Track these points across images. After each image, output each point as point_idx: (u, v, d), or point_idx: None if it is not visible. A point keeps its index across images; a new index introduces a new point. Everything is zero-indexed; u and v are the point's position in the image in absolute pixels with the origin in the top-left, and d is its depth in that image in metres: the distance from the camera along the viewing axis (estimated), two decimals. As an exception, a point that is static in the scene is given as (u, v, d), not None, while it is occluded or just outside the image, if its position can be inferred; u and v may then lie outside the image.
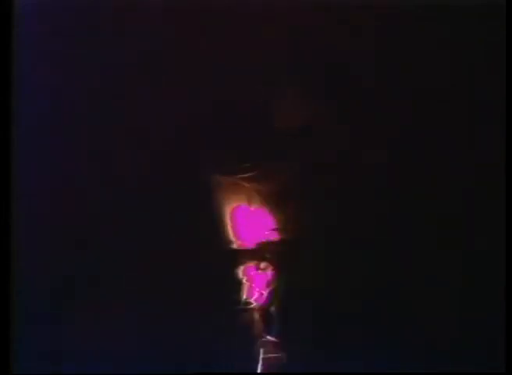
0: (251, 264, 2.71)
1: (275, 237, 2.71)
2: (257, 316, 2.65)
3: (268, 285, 2.67)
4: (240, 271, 2.71)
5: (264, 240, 2.71)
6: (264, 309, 2.64)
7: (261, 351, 2.61)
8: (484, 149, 4.17)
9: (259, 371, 2.58)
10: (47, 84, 4.15)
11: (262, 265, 2.70)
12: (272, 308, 2.64)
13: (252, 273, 2.69)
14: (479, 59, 4.11)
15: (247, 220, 2.71)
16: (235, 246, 2.74)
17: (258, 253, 2.70)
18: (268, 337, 2.61)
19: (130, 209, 4.20)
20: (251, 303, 2.67)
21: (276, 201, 2.74)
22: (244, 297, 2.69)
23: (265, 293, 2.66)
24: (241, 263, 2.72)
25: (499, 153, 3.76)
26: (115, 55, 4.18)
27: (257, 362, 2.60)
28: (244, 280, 2.71)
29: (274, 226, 2.72)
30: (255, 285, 2.68)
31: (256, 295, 2.67)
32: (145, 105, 4.21)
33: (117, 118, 4.18)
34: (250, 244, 2.72)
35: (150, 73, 4.19)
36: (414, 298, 4.20)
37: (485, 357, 3.98)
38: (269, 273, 2.68)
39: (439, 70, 4.17)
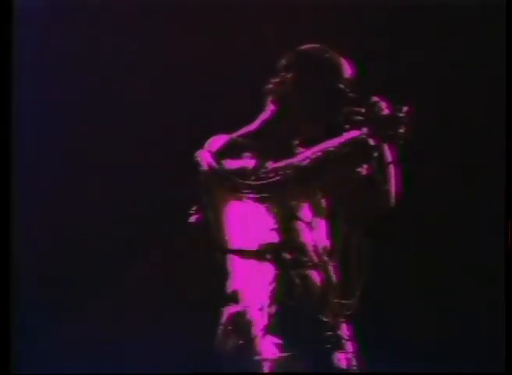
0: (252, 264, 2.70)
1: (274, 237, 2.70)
2: (257, 315, 2.64)
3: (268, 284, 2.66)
4: (241, 270, 2.70)
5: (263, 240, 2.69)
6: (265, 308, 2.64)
7: (262, 351, 2.60)
8: (484, 149, 4.17)
9: (260, 371, 2.57)
10: (47, 84, 4.15)
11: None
12: (273, 308, 2.63)
13: (252, 272, 2.68)
14: (479, 59, 4.11)
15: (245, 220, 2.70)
16: (234, 246, 2.73)
17: (258, 254, 2.69)
18: (270, 337, 2.60)
19: (131, 209, 4.20)
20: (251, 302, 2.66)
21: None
22: (243, 296, 2.68)
23: (266, 292, 2.65)
24: (241, 263, 2.72)
25: (498, 153, 3.76)
26: (115, 55, 4.18)
27: (258, 362, 2.59)
28: (244, 280, 2.70)
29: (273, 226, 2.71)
30: (255, 284, 2.68)
31: (256, 295, 2.67)
32: (145, 105, 4.21)
33: (117, 118, 4.18)
34: (249, 244, 2.71)
35: (150, 73, 4.19)
36: (413, 298, 4.20)
37: (485, 357, 3.98)
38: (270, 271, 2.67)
39: (439, 70, 4.17)
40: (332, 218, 2.80)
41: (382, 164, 2.70)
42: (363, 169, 2.70)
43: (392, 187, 2.76)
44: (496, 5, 3.85)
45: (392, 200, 2.78)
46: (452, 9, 4.09)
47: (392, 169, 2.73)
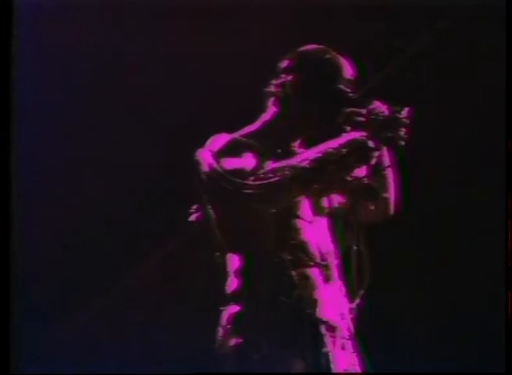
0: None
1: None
2: (257, 314, 2.64)
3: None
4: (240, 270, 2.71)
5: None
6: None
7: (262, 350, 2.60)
8: (484, 149, 4.17)
9: (260, 371, 2.57)
10: (47, 84, 4.15)
11: None
12: (273, 307, 2.63)
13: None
14: (479, 59, 4.11)
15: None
16: (234, 246, 2.73)
17: (258, 253, 2.69)
18: (269, 336, 2.60)
19: (130, 209, 4.20)
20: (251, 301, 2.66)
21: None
22: (243, 295, 2.69)
23: (266, 292, 2.66)
24: (241, 263, 2.72)
25: (498, 153, 3.76)
26: (114, 54, 4.18)
27: (257, 362, 2.59)
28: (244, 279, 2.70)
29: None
30: (255, 284, 2.68)
31: (256, 294, 2.67)
32: (145, 105, 4.21)
33: (117, 117, 4.18)
34: (249, 244, 2.71)
35: (150, 73, 4.19)
36: (414, 298, 4.20)
37: (485, 357, 3.98)
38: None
39: (439, 71, 4.18)
40: (332, 217, 2.80)
41: (380, 165, 2.71)
42: (362, 171, 2.70)
43: (392, 194, 2.78)
44: (495, 5, 3.85)
45: (392, 208, 2.80)
46: (452, 9, 4.09)
47: (391, 171, 2.74)
